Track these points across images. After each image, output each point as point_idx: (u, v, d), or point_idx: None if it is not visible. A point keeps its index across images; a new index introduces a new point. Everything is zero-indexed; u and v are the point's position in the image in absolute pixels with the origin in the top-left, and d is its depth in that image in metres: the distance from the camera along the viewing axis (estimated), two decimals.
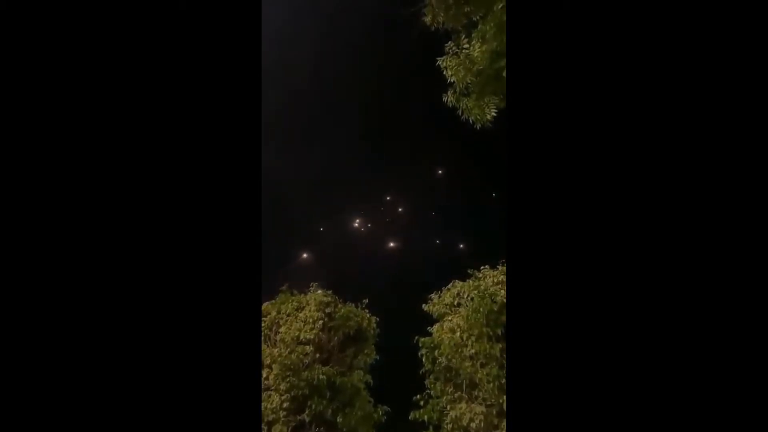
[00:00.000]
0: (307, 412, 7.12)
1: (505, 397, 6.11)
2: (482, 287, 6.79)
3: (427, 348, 6.84)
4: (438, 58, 5.27)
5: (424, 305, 7.31)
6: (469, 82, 5.11)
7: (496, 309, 6.48)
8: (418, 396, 6.81)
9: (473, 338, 6.46)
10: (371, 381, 7.81)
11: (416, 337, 6.99)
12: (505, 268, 7.09)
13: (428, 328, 7.06)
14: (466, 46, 5.07)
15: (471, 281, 7.08)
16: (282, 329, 7.78)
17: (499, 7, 4.71)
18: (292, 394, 7.09)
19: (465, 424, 6.22)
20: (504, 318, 6.47)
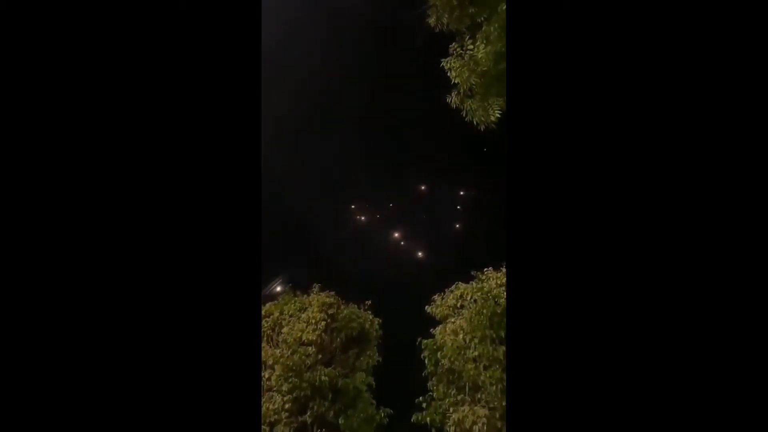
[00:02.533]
0: (308, 413, 7.11)
1: None
2: (485, 289, 6.76)
3: (429, 350, 6.81)
4: (442, 60, 5.26)
5: (427, 307, 7.29)
6: (473, 83, 5.10)
7: (499, 311, 6.44)
8: (421, 398, 6.78)
9: (476, 340, 6.43)
10: (373, 383, 7.79)
11: (419, 339, 6.97)
12: None
13: (431, 330, 7.03)
14: (471, 47, 5.07)
15: (474, 283, 7.05)
16: (284, 330, 7.78)
17: (503, 8, 4.70)
18: (294, 395, 7.08)
19: (467, 427, 6.19)
20: None
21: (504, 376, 6.24)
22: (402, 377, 7.59)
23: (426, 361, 6.83)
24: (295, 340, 7.54)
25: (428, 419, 6.57)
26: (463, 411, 6.29)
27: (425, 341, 6.89)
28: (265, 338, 7.74)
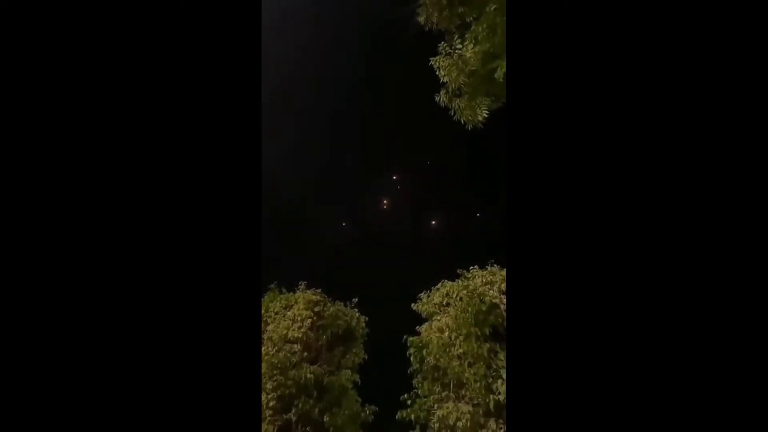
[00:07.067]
0: (293, 411, 7.07)
1: (491, 396, 6.15)
2: (471, 287, 6.82)
3: (415, 347, 6.85)
4: (431, 58, 5.29)
5: (413, 305, 7.32)
6: (461, 82, 5.14)
7: (484, 309, 6.51)
8: (406, 395, 6.81)
9: (461, 338, 6.48)
10: (359, 380, 7.80)
11: (405, 337, 6.99)
12: (493, 268, 7.15)
13: (417, 327, 7.07)
14: (459, 46, 5.10)
15: (460, 281, 7.11)
16: (270, 327, 7.72)
17: (492, 8, 4.73)
18: (279, 393, 7.03)
19: (451, 424, 6.24)
20: (492, 318, 6.51)
21: (488, 372, 6.32)
22: (388, 375, 7.62)
23: (411, 359, 6.86)
24: (280, 337, 7.49)
25: (413, 416, 6.60)
26: (447, 407, 6.34)
27: (411, 339, 6.92)
28: None
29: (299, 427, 7.10)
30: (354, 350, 7.93)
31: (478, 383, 6.26)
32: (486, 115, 5.24)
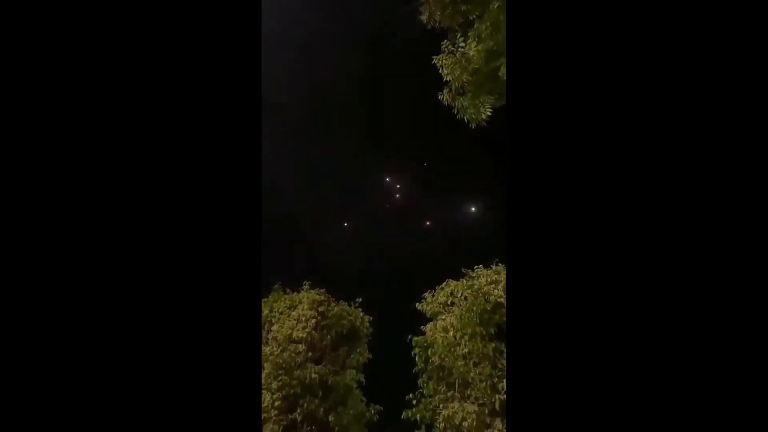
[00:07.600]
0: (298, 411, 7.09)
1: (497, 396, 6.13)
2: (476, 286, 6.80)
3: (420, 347, 6.84)
4: (434, 57, 5.26)
5: (417, 304, 7.31)
6: (464, 81, 5.10)
7: (489, 308, 6.49)
8: (411, 395, 6.80)
9: (466, 337, 6.47)
10: (364, 380, 7.80)
11: (409, 336, 6.99)
12: (498, 267, 7.12)
13: (421, 327, 7.06)
14: (462, 45, 5.07)
15: (465, 280, 7.09)
16: (274, 328, 7.74)
17: (495, 6, 4.70)
18: (284, 393, 7.05)
19: (457, 423, 6.23)
20: (497, 317, 6.48)
21: (493, 372, 6.30)
22: (392, 374, 7.61)
23: (416, 358, 6.85)
24: (285, 337, 7.51)
25: (418, 416, 6.59)
26: (453, 407, 6.33)
27: (416, 338, 6.91)
28: None
29: (304, 426, 7.11)
30: (358, 350, 7.94)
31: (484, 383, 6.24)
32: (490, 114, 5.21)
